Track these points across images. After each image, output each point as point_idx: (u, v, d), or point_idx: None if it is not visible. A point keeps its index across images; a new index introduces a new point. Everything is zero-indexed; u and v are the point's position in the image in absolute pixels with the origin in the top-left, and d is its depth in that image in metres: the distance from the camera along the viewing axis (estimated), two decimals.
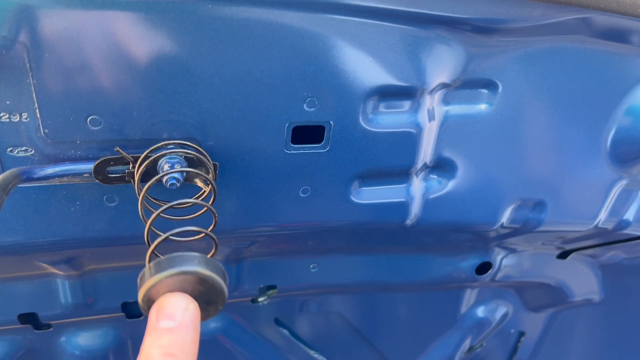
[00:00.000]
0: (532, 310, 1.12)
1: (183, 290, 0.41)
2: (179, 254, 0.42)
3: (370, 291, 0.97)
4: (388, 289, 0.97)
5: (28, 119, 0.51)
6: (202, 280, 0.41)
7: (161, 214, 0.52)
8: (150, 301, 0.42)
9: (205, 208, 0.53)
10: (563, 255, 0.99)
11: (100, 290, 0.78)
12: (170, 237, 0.49)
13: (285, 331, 1.00)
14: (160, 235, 0.48)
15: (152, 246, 0.48)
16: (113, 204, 0.59)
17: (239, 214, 0.64)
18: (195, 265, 0.41)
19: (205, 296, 0.42)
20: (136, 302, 0.86)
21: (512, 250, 0.94)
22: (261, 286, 0.88)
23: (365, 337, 1.06)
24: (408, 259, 0.91)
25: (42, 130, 0.52)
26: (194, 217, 0.56)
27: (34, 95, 0.50)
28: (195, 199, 0.58)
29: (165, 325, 0.39)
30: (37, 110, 0.51)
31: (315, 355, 1.05)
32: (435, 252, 0.91)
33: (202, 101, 0.55)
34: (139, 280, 0.42)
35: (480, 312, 1.10)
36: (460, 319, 1.10)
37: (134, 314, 0.85)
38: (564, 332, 1.17)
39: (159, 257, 0.45)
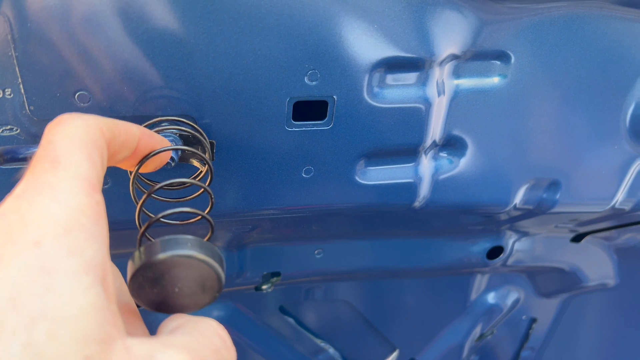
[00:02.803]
0: (545, 296, 1.09)
1: (177, 276, 0.39)
2: (172, 236, 0.39)
3: (378, 277, 0.94)
4: (396, 275, 0.94)
5: (12, 95, 0.48)
6: (197, 265, 0.38)
7: (153, 195, 0.49)
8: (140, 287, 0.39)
9: (202, 189, 0.50)
10: (577, 238, 0.95)
11: None
12: (163, 220, 0.46)
13: (290, 320, 0.97)
14: (152, 218, 0.45)
15: (143, 229, 0.45)
16: (105, 187, 0.56)
17: (238, 196, 0.61)
18: (189, 248, 0.38)
19: (201, 282, 0.39)
20: None
21: (524, 234, 0.91)
22: (265, 273, 0.86)
23: (372, 325, 1.03)
24: (416, 243, 0.88)
25: (27, 107, 0.49)
26: (190, 199, 0.53)
27: (17, 69, 0.47)
28: (191, 179, 0.55)
29: None
30: (21, 86, 0.48)
31: (322, 344, 1.03)
32: (445, 236, 0.88)
33: (197, 75, 0.51)
34: (128, 266, 0.40)
35: (491, 298, 1.06)
36: (471, 306, 1.07)
37: None
38: (577, 318, 1.14)
39: (150, 240, 0.42)
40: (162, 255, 0.37)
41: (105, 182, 0.56)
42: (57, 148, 0.34)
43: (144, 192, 0.49)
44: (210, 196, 0.48)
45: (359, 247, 0.86)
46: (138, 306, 0.45)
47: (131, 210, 0.58)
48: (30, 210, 0.31)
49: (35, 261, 0.29)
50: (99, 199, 0.34)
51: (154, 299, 0.39)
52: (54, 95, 0.49)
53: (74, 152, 0.34)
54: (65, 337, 0.27)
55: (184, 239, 0.38)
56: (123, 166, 0.44)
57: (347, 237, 0.84)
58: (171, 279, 0.38)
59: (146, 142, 0.43)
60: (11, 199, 0.32)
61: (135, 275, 0.37)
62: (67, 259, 0.29)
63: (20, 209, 0.31)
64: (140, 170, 0.45)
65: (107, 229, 0.34)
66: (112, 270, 0.38)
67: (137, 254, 0.38)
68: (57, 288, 0.28)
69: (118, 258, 0.73)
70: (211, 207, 0.48)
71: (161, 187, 0.46)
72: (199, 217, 0.48)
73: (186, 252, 0.37)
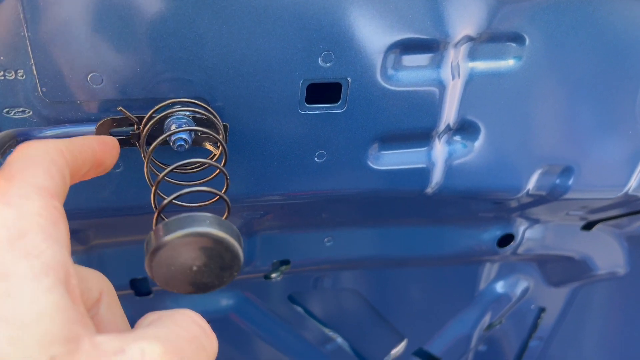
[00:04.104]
0: (554, 285, 1.08)
1: (194, 254, 0.38)
2: (189, 214, 0.38)
3: (387, 266, 0.94)
4: (406, 264, 0.93)
5: (24, 77, 0.48)
6: (215, 242, 0.38)
7: (167, 179, 0.49)
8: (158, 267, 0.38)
9: (217, 171, 0.50)
10: (588, 226, 0.95)
11: (107, 267, 0.75)
12: (176, 202, 0.45)
13: (299, 308, 0.97)
14: (167, 198, 0.44)
15: (159, 209, 0.44)
16: (118, 170, 0.56)
17: (251, 180, 0.61)
18: (207, 226, 0.38)
19: (219, 260, 0.39)
20: (145, 279, 0.84)
21: (535, 221, 0.90)
22: (274, 261, 0.85)
23: (381, 314, 1.03)
24: (427, 231, 0.87)
25: (39, 89, 0.48)
26: (204, 181, 0.52)
27: (30, 50, 0.46)
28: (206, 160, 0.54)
29: None
30: (34, 67, 0.47)
31: (330, 334, 1.02)
32: (456, 224, 0.88)
33: (210, 57, 0.51)
34: (145, 245, 0.39)
35: (500, 287, 1.06)
36: (479, 295, 1.06)
37: (144, 292, 0.83)
38: (587, 307, 1.14)
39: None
40: (179, 233, 0.36)
41: (117, 167, 0.56)
42: (13, 167, 0.33)
43: (158, 175, 0.48)
44: (226, 176, 0.48)
45: (369, 235, 0.86)
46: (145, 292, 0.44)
47: (144, 194, 0.58)
48: None
49: None
50: (57, 204, 0.33)
51: (171, 279, 0.39)
52: (67, 77, 0.48)
53: (30, 168, 0.33)
54: (27, 341, 0.27)
55: (201, 216, 0.37)
56: (88, 177, 0.43)
57: (358, 224, 0.83)
58: (188, 258, 0.38)
59: (104, 151, 0.43)
60: None
61: (152, 254, 0.37)
62: (25, 261, 0.28)
63: None
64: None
65: (67, 233, 0.33)
66: (92, 275, 0.38)
67: (153, 232, 0.37)
68: (16, 292, 0.27)
69: (133, 244, 0.73)
70: (227, 187, 0.48)
71: (176, 167, 0.45)
72: (214, 199, 0.48)
73: (203, 229, 0.37)
